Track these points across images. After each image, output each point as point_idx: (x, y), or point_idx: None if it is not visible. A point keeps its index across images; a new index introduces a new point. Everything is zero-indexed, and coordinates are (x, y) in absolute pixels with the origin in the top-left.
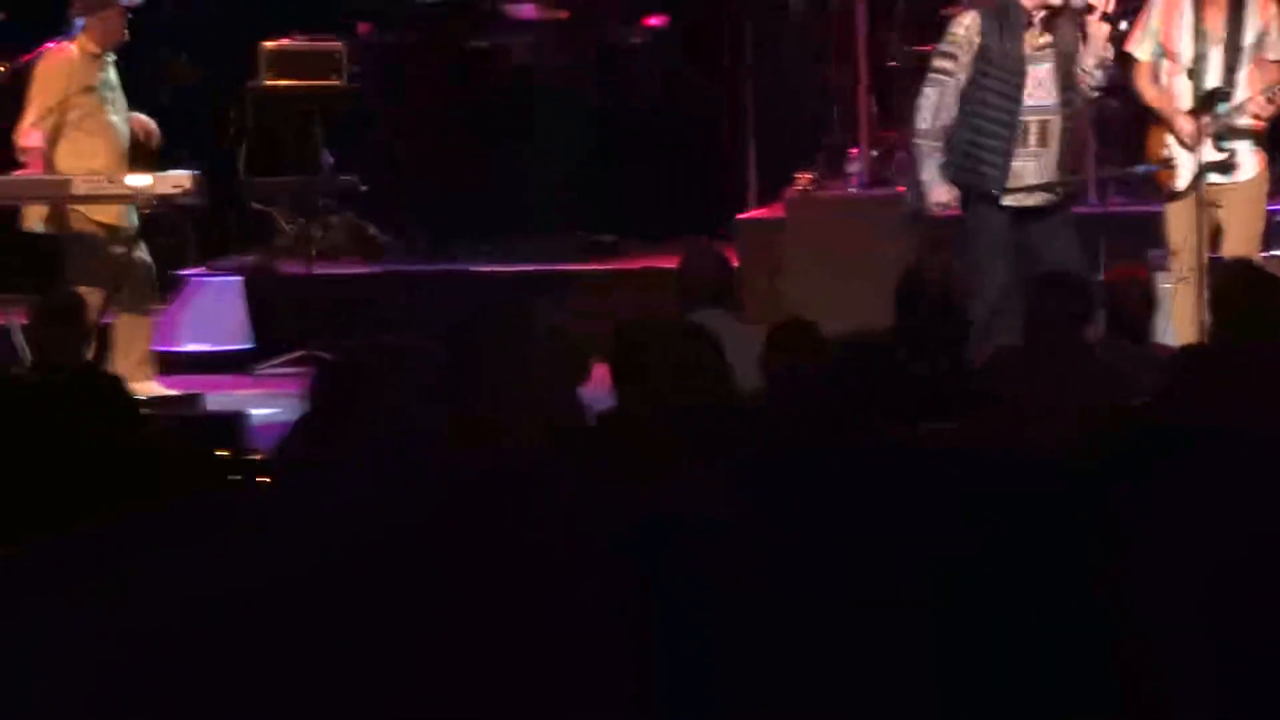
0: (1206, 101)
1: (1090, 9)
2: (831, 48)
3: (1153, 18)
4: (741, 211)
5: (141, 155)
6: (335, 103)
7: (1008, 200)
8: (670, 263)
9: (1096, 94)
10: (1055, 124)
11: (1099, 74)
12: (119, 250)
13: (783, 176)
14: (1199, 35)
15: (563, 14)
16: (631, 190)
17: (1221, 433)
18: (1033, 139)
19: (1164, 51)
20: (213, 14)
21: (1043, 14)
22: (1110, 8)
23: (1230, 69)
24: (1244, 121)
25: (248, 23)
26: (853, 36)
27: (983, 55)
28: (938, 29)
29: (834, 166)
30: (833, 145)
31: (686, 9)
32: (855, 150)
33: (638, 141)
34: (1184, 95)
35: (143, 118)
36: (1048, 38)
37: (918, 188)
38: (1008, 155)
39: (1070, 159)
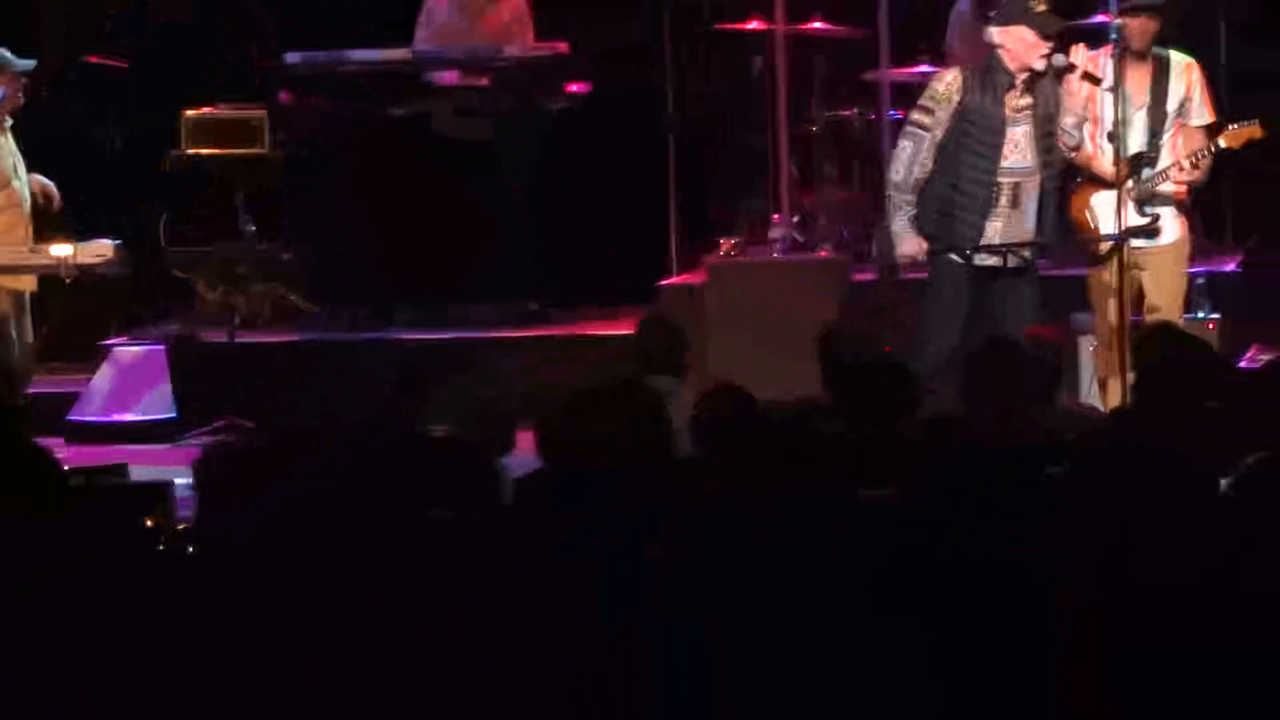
0: (1131, 166)
1: (1071, 68)
2: (753, 113)
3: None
4: (664, 278)
5: (44, 219)
6: (258, 171)
7: (976, 259)
8: (595, 329)
9: (1074, 153)
10: (1027, 186)
11: (1077, 133)
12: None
13: (706, 242)
14: (1122, 99)
15: (484, 80)
16: (557, 257)
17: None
18: (1004, 200)
19: (1087, 114)
20: (135, 82)
21: (1025, 76)
22: (1091, 67)
23: (1154, 134)
24: (1167, 187)
25: (170, 91)
26: (774, 102)
27: (963, 114)
28: (858, 94)
29: (756, 232)
30: (755, 211)
31: (609, 75)
32: (777, 216)
33: (562, 208)
34: (1106, 158)
35: (42, 180)
36: (1028, 99)
37: (887, 238)
38: (983, 215)
39: (1050, 221)
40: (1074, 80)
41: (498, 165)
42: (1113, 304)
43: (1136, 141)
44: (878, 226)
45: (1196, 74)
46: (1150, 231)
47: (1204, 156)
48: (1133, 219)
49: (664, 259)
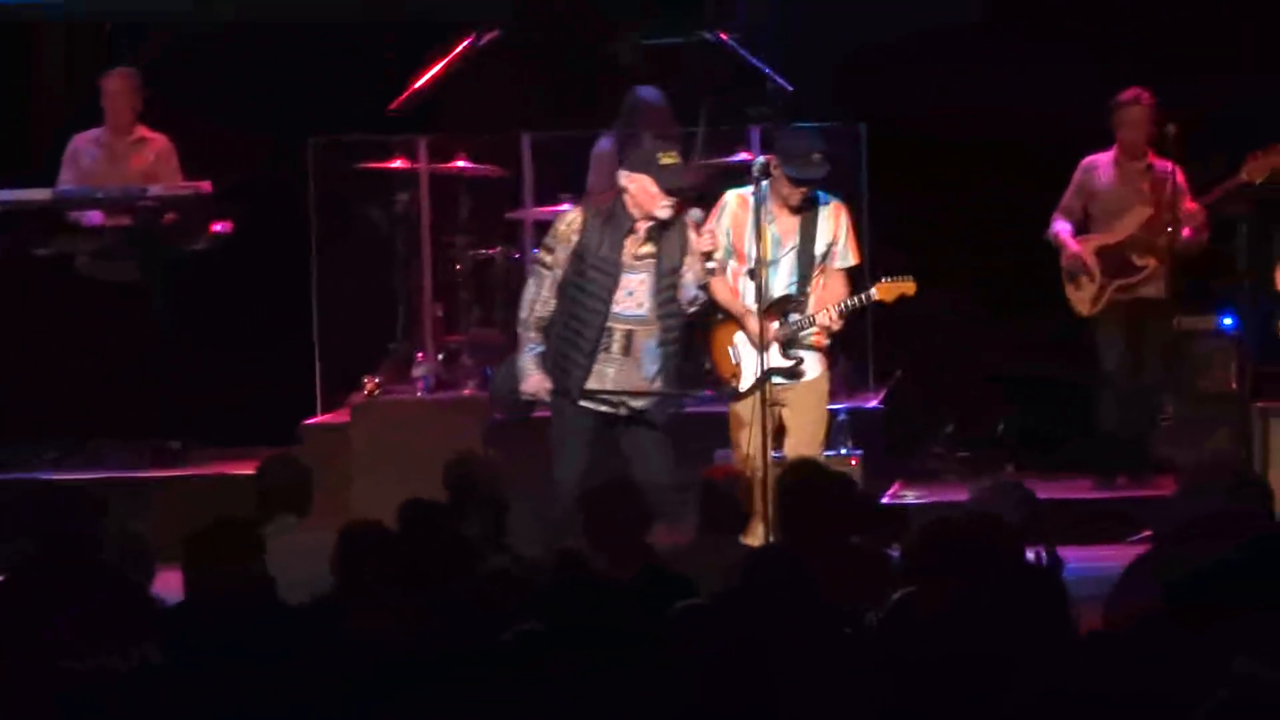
0: (777, 307)
1: (700, 226)
2: (397, 252)
3: (724, 218)
4: (308, 417)
5: None
6: None
7: (586, 403)
8: (239, 469)
9: (694, 309)
10: (641, 335)
11: (696, 291)
12: None
13: (350, 381)
14: (771, 240)
15: (126, 220)
16: (199, 396)
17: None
18: (616, 346)
19: (734, 252)
20: None
21: (648, 225)
22: (708, 240)
23: (802, 276)
24: (809, 333)
25: None
26: (418, 241)
27: (580, 254)
28: (502, 233)
29: (400, 370)
30: (398, 350)
31: (252, 215)
32: (421, 354)
33: (205, 347)
34: (749, 295)
35: None
36: (650, 248)
37: (503, 376)
38: (591, 358)
39: (673, 371)
40: (699, 240)
41: (140, 304)
42: (754, 440)
43: (783, 283)
44: (496, 366)
45: (844, 217)
46: (794, 373)
47: (853, 308)
48: (776, 359)
49: (309, 398)
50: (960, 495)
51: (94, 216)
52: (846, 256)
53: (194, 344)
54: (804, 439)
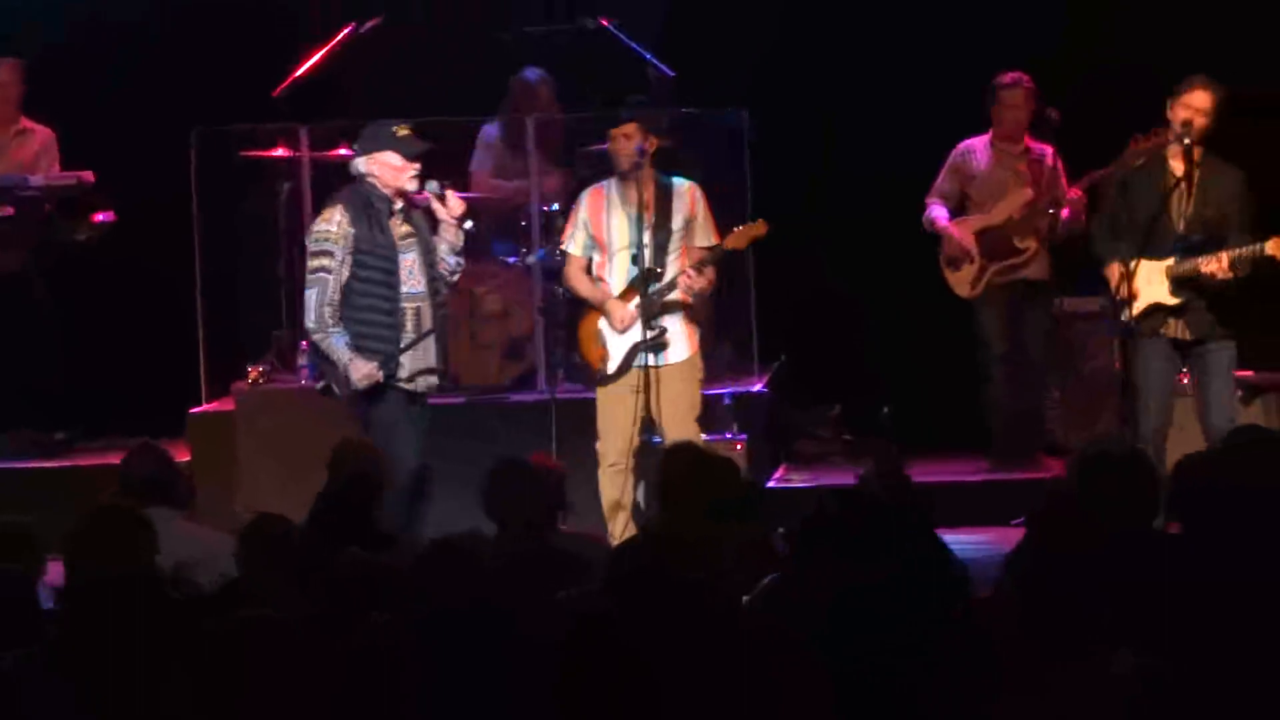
0: (638, 283)
1: (444, 194)
2: (279, 240)
3: (582, 211)
4: (194, 406)
5: None
6: None
7: (405, 385)
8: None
9: (456, 278)
10: (425, 311)
11: (452, 260)
12: None
13: (234, 370)
14: (631, 222)
15: (7, 210)
16: (85, 387)
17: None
18: (409, 325)
19: (595, 244)
20: None
21: (400, 204)
22: (458, 209)
23: (661, 250)
24: (673, 296)
25: None
26: (300, 230)
27: (357, 247)
28: None
29: (285, 359)
30: (283, 338)
31: (134, 204)
32: (305, 343)
33: (89, 338)
34: (620, 282)
35: None
36: (408, 228)
37: (335, 375)
38: (395, 342)
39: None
40: (443, 209)
41: (26, 294)
42: (621, 426)
43: (646, 259)
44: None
45: (699, 195)
46: (658, 346)
47: (707, 263)
48: (639, 334)
49: (195, 387)
50: (846, 479)
51: None
52: (706, 235)
53: (79, 334)
54: (677, 420)
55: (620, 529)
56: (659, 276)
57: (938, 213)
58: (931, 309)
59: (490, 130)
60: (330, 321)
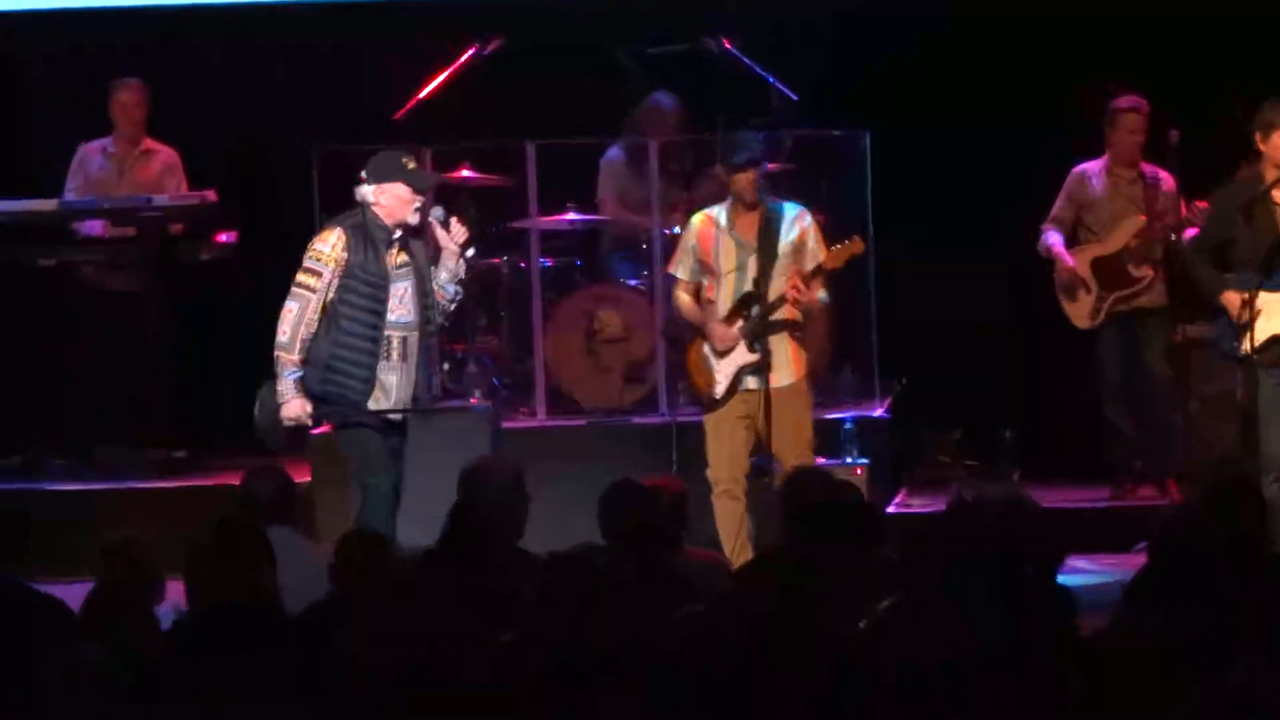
0: (741, 305)
1: (449, 222)
2: None
3: (691, 238)
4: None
5: None
6: None
7: (375, 409)
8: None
9: (454, 306)
10: (413, 341)
11: (451, 289)
12: None
13: None
14: (740, 247)
15: (131, 230)
16: (204, 405)
17: None
18: (395, 354)
19: (703, 268)
20: None
21: (399, 234)
22: (461, 237)
23: (764, 274)
24: (780, 315)
25: None
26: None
27: (349, 272)
28: (508, 242)
29: None
30: None
31: (257, 224)
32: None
33: (211, 356)
34: (728, 305)
35: None
36: (405, 257)
37: (273, 400)
38: (371, 369)
39: (434, 375)
40: (444, 237)
41: (146, 315)
42: (732, 451)
43: (750, 282)
44: (503, 376)
45: (809, 220)
46: (762, 368)
47: (810, 279)
48: (744, 356)
49: None
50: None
51: (93, 226)
52: (816, 257)
53: (200, 353)
54: (788, 444)
55: (736, 554)
56: (761, 300)
57: (1053, 239)
58: (1053, 333)
59: (614, 154)
60: (298, 347)
